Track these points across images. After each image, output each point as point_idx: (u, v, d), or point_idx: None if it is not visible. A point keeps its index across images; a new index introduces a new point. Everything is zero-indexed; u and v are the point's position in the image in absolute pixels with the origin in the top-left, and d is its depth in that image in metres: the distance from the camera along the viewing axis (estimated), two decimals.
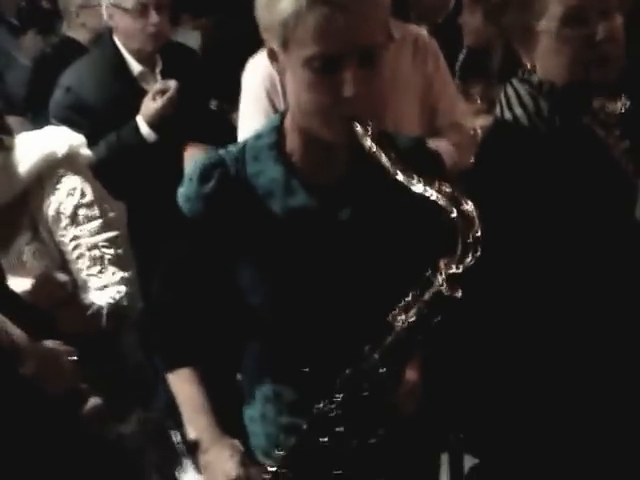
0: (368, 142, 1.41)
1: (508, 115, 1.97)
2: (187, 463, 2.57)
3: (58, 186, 2.01)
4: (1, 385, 1.50)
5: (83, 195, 2.03)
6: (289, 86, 1.50)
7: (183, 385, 1.65)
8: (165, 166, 2.87)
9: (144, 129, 3.02)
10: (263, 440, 1.70)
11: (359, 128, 1.42)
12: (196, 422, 1.62)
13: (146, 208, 2.64)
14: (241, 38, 2.51)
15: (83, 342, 1.81)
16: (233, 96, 2.75)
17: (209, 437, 1.59)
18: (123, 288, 2.04)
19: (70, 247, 2.02)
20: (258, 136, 1.61)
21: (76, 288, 2.02)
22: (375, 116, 1.45)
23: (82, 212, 2.02)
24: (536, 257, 1.84)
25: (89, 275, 2.03)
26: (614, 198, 1.89)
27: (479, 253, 1.36)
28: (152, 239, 1.87)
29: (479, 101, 3.33)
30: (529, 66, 1.94)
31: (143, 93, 3.10)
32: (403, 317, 1.44)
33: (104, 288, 2.03)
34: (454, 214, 1.35)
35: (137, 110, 3.05)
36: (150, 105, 3.02)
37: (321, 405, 1.51)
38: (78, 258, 2.03)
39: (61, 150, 2.03)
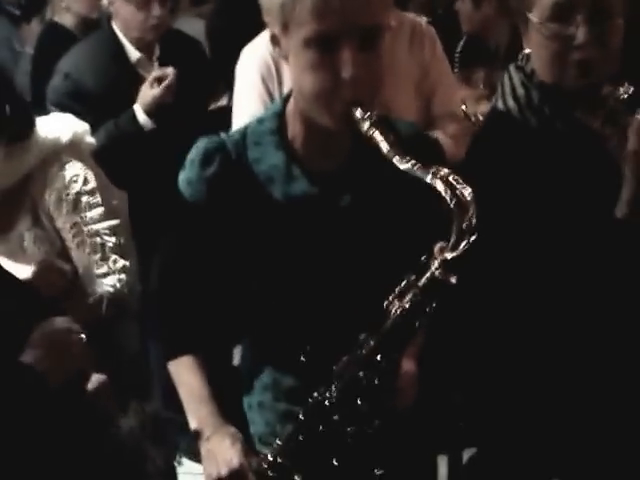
0: (366, 126, 1.41)
1: (501, 105, 1.97)
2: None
3: (61, 173, 2.01)
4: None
5: (86, 182, 2.02)
6: (291, 70, 1.50)
7: (184, 373, 1.65)
8: (163, 154, 2.85)
9: (141, 117, 3.00)
10: (262, 427, 1.70)
11: (358, 112, 1.42)
12: (197, 411, 1.62)
13: (145, 196, 2.64)
14: (244, 24, 2.51)
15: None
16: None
17: (210, 426, 1.58)
18: (124, 276, 2.04)
19: (71, 234, 2.02)
20: (260, 121, 1.61)
21: (77, 276, 2.02)
22: (374, 99, 1.45)
23: (84, 199, 2.02)
24: (527, 249, 1.84)
25: (90, 263, 2.03)
26: (604, 191, 1.90)
27: (473, 239, 1.35)
28: (151, 228, 1.86)
29: (482, 87, 3.34)
30: (527, 51, 1.93)
31: (141, 80, 3.08)
32: (398, 303, 1.43)
33: (105, 276, 2.03)
34: (449, 199, 1.35)
35: (135, 97, 3.03)
36: (147, 93, 3.01)
37: (317, 394, 1.51)
38: (79, 245, 2.02)
39: (65, 137, 2.02)
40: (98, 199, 2.04)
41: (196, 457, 1.62)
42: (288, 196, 1.56)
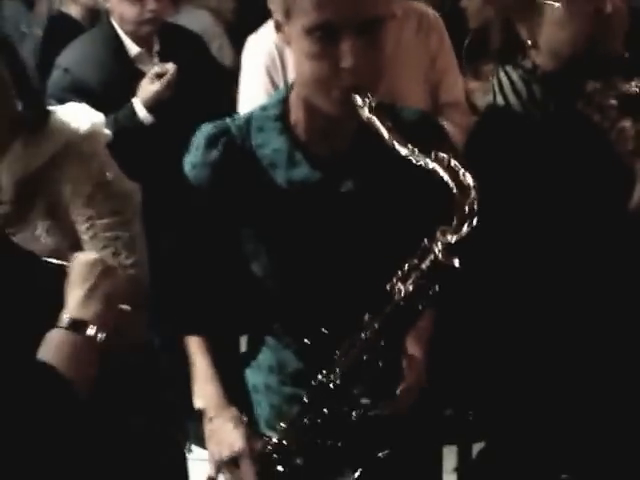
0: (365, 112, 1.43)
1: (500, 100, 1.99)
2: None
3: (77, 164, 2.00)
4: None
5: (101, 175, 2.02)
6: (293, 57, 1.52)
7: (192, 353, 1.67)
8: (163, 148, 2.86)
9: (141, 112, 3.02)
10: (267, 410, 1.72)
11: (358, 99, 1.43)
12: (203, 391, 1.64)
13: (152, 187, 2.63)
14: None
15: None
16: None
17: (215, 407, 1.61)
18: (134, 272, 2.03)
19: (85, 227, 2.01)
20: (264, 107, 1.63)
21: None
22: (374, 87, 1.46)
23: (99, 192, 2.01)
24: (529, 240, 1.87)
25: (102, 256, 2.02)
26: (607, 183, 1.92)
27: (475, 222, 1.36)
28: (161, 217, 1.86)
29: (490, 79, 3.34)
30: (530, 43, 1.95)
31: (140, 75, 3.11)
32: (401, 286, 1.45)
33: None
34: (451, 184, 1.36)
35: (135, 92, 3.05)
36: (147, 88, 3.02)
37: (320, 377, 1.53)
38: (92, 238, 2.01)
39: (83, 127, 2.01)
40: (113, 192, 2.03)
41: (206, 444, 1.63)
42: (290, 181, 1.58)
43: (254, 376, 1.75)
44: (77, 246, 2.02)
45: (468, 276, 1.42)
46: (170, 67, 3.03)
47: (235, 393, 1.65)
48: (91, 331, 1.43)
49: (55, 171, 1.99)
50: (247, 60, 2.70)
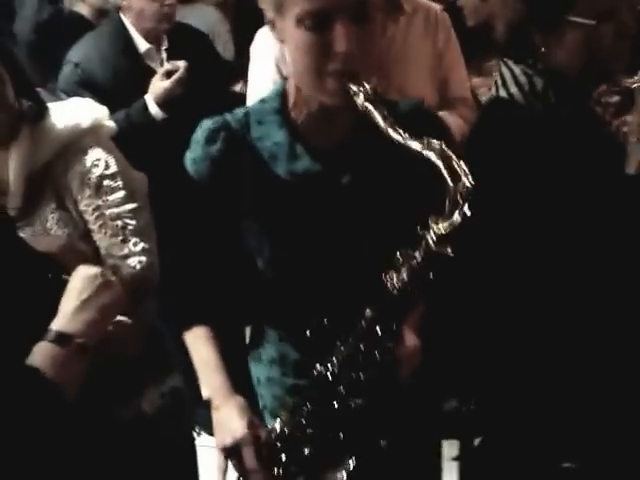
0: (360, 100, 1.43)
1: (503, 93, 2.01)
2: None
3: (83, 157, 2.04)
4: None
5: (107, 166, 2.06)
6: (287, 51, 1.52)
7: (197, 344, 1.69)
8: (175, 142, 2.89)
9: (153, 108, 3.05)
10: (270, 401, 1.75)
11: (353, 87, 1.44)
12: (209, 380, 1.65)
13: (160, 179, 2.67)
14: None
15: None
16: None
17: (221, 395, 1.62)
18: (144, 258, 2.07)
19: (93, 217, 2.05)
20: (263, 101, 1.65)
21: (98, 258, 2.05)
22: (367, 74, 1.46)
23: (106, 183, 2.05)
24: (529, 231, 1.88)
25: (111, 245, 2.06)
26: (607, 173, 1.95)
27: (467, 211, 1.35)
28: (169, 208, 1.90)
29: (494, 74, 3.36)
30: (542, 49, 1.98)
31: (149, 71, 3.15)
32: (396, 276, 1.46)
33: (126, 258, 2.06)
34: (443, 170, 1.36)
35: (143, 88, 3.09)
36: (159, 85, 3.06)
37: (319, 367, 1.54)
38: (101, 228, 2.05)
39: (86, 121, 2.06)
40: (119, 183, 2.07)
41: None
42: (291, 173, 1.60)
43: (256, 369, 1.78)
44: (88, 236, 2.07)
45: (470, 267, 1.44)
46: (181, 64, 3.07)
47: (239, 384, 1.68)
48: (78, 342, 1.46)
49: (62, 164, 2.04)
50: (256, 53, 2.72)
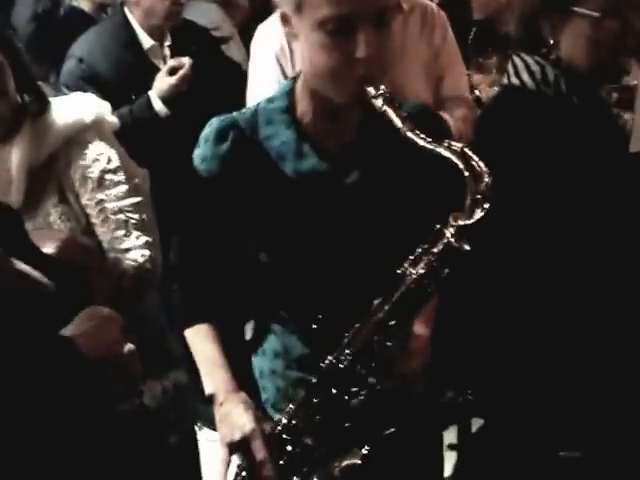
0: (379, 102, 1.45)
1: (515, 81, 2.03)
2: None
3: (85, 151, 2.05)
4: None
5: (109, 161, 2.07)
6: (302, 49, 1.53)
7: (201, 340, 1.70)
8: (178, 139, 2.90)
9: (157, 104, 3.05)
10: (274, 394, 1.75)
11: (371, 89, 1.46)
12: (212, 376, 1.66)
13: (164, 174, 2.68)
14: None
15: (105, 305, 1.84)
16: None
17: (224, 391, 1.63)
18: (147, 252, 2.08)
19: (95, 211, 2.07)
20: (270, 100, 1.66)
21: (101, 251, 2.06)
22: (383, 76, 1.48)
23: (108, 177, 2.06)
24: (540, 219, 1.89)
25: (113, 238, 2.07)
26: (616, 160, 1.96)
27: (488, 207, 1.39)
28: (172, 204, 1.91)
29: (494, 72, 3.38)
30: (551, 41, 1.99)
31: (153, 67, 3.15)
32: (413, 270, 1.47)
33: (128, 251, 2.08)
34: (464, 170, 1.40)
35: (147, 84, 3.08)
36: (163, 81, 3.05)
37: (331, 357, 1.55)
38: (103, 222, 2.07)
39: (88, 116, 2.07)
40: (121, 177, 2.08)
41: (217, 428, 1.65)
42: (299, 172, 1.61)
43: (260, 362, 1.79)
44: (89, 230, 2.08)
45: (475, 259, 1.45)
46: (186, 61, 3.06)
47: (242, 380, 1.68)
48: None
49: (64, 158, 2.05)
50: (257, 48, 2.73)
